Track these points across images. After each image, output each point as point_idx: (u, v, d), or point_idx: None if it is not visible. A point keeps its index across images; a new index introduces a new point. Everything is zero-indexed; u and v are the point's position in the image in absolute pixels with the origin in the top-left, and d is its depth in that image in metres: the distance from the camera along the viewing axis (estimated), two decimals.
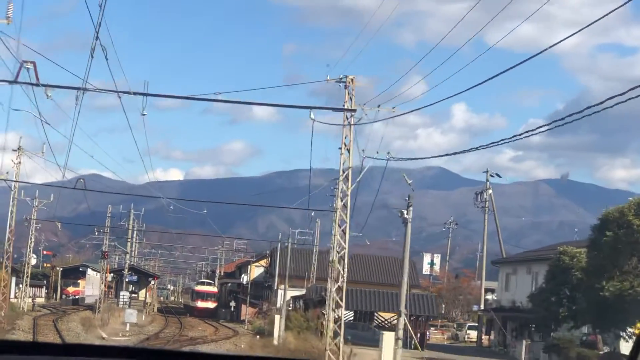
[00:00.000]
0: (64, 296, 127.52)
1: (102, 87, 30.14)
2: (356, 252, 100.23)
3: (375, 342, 66.41)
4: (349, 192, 35.69)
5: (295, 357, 34.71)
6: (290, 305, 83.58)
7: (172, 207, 64.44)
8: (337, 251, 36.71)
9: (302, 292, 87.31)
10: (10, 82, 27.66)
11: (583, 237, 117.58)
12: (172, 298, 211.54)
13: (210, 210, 75.90)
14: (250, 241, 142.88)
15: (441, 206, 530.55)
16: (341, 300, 36.73)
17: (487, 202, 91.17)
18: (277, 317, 57.76)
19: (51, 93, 28.02)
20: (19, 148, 58.59)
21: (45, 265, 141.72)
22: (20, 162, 58.24)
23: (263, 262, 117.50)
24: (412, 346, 70.49)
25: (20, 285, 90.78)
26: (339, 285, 36.95)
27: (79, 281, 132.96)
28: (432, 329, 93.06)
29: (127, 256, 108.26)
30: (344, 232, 36.30)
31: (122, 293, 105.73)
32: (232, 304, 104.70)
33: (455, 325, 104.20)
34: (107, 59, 25.54)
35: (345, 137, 35.06)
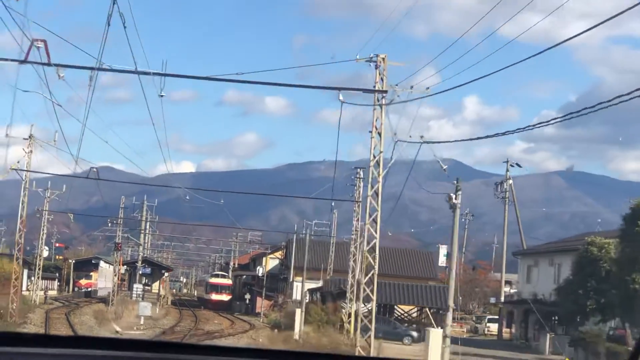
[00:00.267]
0: (76, 289, 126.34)
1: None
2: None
3: (395, 336, 64.83)
4: (380, 179, 33.75)
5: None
6: (307, 298, 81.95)
7: (187, 198, 62.78)
8: (367, 241, 34.70)
9: (318, 284, 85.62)
10: (20, 62, 25.98)
11: (601, 228, 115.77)
12: (185, 290, 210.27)
13: (214, 207, 74.46)
14: (263, 233, 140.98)
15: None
16: (372, 293, 34.85)
17: (507, 193, 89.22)
18: (297, 310, 55.89)
19: (63, 73, 26.30)
20: (30, 137, 56.93)
21: (57, 257, 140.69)
22: (31, 151, 56.63)
23: (278, 254, 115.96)
24: None
25: (32, 278, 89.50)
26: (369, 278, 35.06)
27: (92, 274, 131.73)
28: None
29: (141, 248, 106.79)
30: (374, 221, 34.37)
31: (135, 285, 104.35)
32: (247, 296, 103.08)
33: (474, 318, 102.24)
34: (125, 26, 23.78)
35: (375, 120, 33.13)
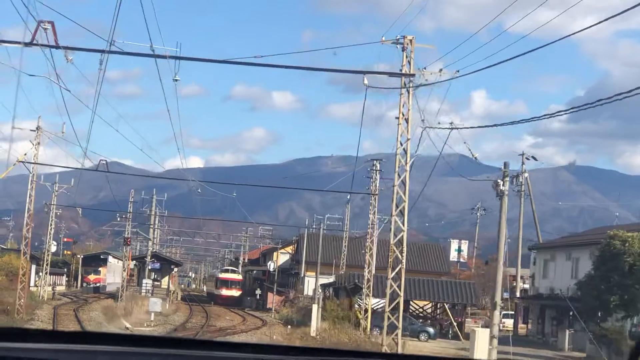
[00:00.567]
0: (84, 284, 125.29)
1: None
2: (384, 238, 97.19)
3: (411, 332, 63.18)
4: (407, 167, 32.06)
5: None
6: (319, 293, 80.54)
7: (199, 191, 61.40)
8: (394, 234, 32.97)
9: (330, 279, 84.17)
10: (26, 44, 24.49)
11: (618, 222, 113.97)
12: (194, 286, 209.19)
13: (231, 198, 73.17)
14: (271, 229, 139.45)
15: (461, 193, 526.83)
16: (399, 289, 33.22)
17: (522, 187, 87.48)
18: (313, 306, 54.29)
19: (72, 57, 24.81)
20: (38, 128, 55.46)
21: (65, 252, 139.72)
22: (39, 143, 55.14)
23: (289, 249, 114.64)
24: (450, 336, 67.35)
25: (40, 273, 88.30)
26: (396, 273, 33.40)
27: (100, 269, 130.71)
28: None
29: (150, 243, 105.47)
30: (402, 212, 32.71)
31: (144, 281, 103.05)
32: (258, 291, 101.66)
33: (488, 313, 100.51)
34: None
35: (402, 106, 31.42)
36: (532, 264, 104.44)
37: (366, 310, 54.34)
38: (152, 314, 63.27)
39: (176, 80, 25.24)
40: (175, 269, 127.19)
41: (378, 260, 67.50)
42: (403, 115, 31.50)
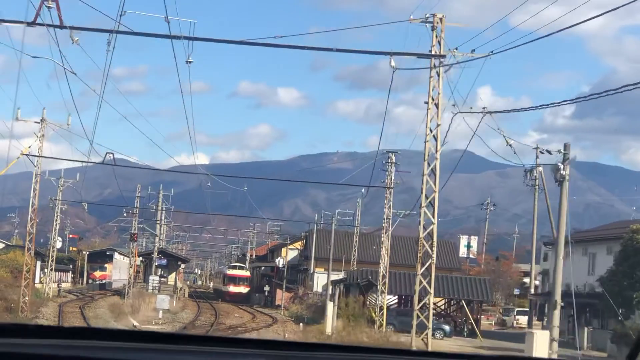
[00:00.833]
0: (90, 281, 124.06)
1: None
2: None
3: (426, 330, 61.52)
4: (438, 155, 30.24)
5: None
6: (332, 289, 78.97)
7: (209, 184, 59.86)
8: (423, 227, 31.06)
9: (340, 275, 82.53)
10: (28, 24, 22.84)
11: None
12: (200, 282, 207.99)
13: (237, 195, 71.98)
14: (278, 225, 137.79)
15: (467, 189, 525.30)
16: (429, 285, 31.45)
17: (537, 181, 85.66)
18: (329, 304, 52.52)
19: (77, 37, 23.15)
20: (42, 120, 53.77)
21: (71, 249, 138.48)
22: (43, 135, 53.44)
23: (297, 245, 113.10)
24: (465, 333, 65.62)
25: (46, 270, 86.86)
26: (426, 268, 31.56)
27: (106, 265, 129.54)
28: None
29: (157, 239, 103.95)
30: (431, 204, 30.88)
31: (151, 277, 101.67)
32: (267, 288, 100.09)
33: (501, 310, 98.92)
34: None
35: (432, 89, 29.55)
36: (542, 260, 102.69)
37: (381, 308, 52.67)
38: (160, 312, 61.76)
39: (189, 62, 23.64)
40: (182, 266, 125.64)
41: (390, 256, 65.90)
42: (433, 99, 29.67)
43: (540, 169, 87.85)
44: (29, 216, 58.56)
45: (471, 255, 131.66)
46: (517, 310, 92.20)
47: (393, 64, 26.10)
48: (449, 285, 66.80)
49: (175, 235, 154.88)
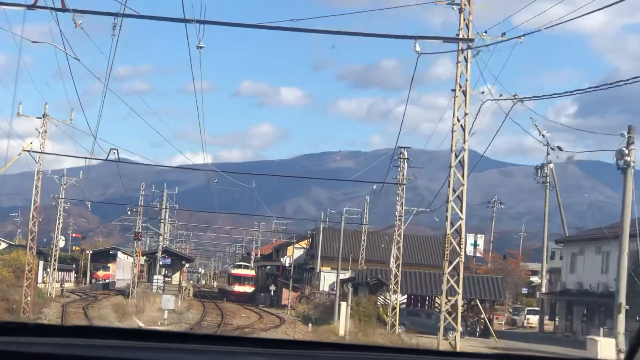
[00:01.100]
0: (93, 280, 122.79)
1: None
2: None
3: (438, 330, 59.99)
4: (466, 146, 28.79)
5: None
6: (343, 289, 77.69)
7: (216, 181, 58.61)
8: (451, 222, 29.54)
9: (347, 274, 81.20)
10: (28, 7, 21.46)
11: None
12: (203, 282, 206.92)
13: (240, 195, 70.96)
14: (283, 224, 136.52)
15: (470, 188, 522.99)
16: (457, 285, 29.99)
17: (547, 178, 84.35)
18: (342, 304, 51.01)
19: (81, 21, 21.75)
20: (44, 115, 52.36)
21: (74, 248, 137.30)
22: (45, 131, 52.04)
23: (303, 244, 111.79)
24: (478, 334, 64.11)
25: (48, 270, 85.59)
26: (454, 267, 30.06)
27: (109, 265, 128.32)
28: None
29: (161, 238, 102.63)
30: (459, 198, 29.40)
31: (155, 277, 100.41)
32: (272, 287, 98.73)
33: (510, 310, 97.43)
34: None
35: (460, 76, 28.02)
36: (549, 259, 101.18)
37: (393, 308, 51.22)
38: (166, 312, 60.41)
39: (201, 47, 22.26)
40: (187, 265, 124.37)
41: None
42: (460, 87, 28.11)
43: (551, 165, 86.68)
44: (31, 214, 57.15)
45: (478, 254, 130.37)
46: (528, 310, 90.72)
47: (418, 48, 24.63)
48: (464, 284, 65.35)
49: (178, 234, 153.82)
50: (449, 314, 66.78)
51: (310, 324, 56.94)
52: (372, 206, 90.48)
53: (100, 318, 55.91)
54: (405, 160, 51.92)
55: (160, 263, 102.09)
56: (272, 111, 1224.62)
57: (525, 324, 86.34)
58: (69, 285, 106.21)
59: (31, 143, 51.27)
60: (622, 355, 30.23)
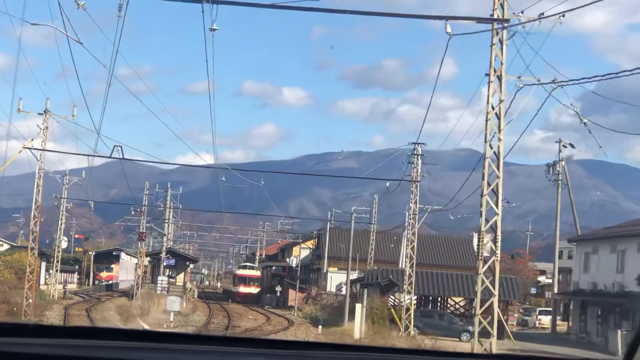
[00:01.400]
0: (96, 282, 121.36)
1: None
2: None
3: (452, 332, 58.32)
4: (501, 135, 27.03)
5: None
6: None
7: (223, 179, 57.11)
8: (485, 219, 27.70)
9: (354, 274, 79.58)
10: None
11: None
12: (207, 282, 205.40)
13: (243, 195, 69.68)
14: (289, 224, 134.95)
15: (472, 188, 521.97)
16: (493, 285, 28.25)
17: (560, 175, 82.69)
18: (357, 306, 49.27)
19: (84, 2, 20.13)
20: (46, 111, 50.71)
21: (77, 249, 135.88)
22: (47, 127, 50.41)
23: (309, 244, 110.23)
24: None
25: (51, 271, 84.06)
26: (489, 266, 28.32)
27: (113, 266, 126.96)
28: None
29: (165, 238, 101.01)
30: (494, 192, 27.56)
31: (160, 278, 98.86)
32: (278, 288, 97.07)
33: (521, 310, 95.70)
34: None
35: (494, 59, 26.24)
36: (557, 258, 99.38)
37: (407, 309, 49.54)
38: (172, 314, 58.76)
39: (213, 29, 20.69)
40: (191, 266, 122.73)
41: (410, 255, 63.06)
42: (495, 71, 26.29)
43: (563, 163, 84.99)
44: (32, 213, 55.46)
45: (486, 254, 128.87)
46: (540, 310, 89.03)
47: (449, 29, 23.00)
48: (474, 284, 63.64)
49: (182, 234, 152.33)
50: (465, 316, 65.06)
51: (320, 326, 55.26)
52: (377, 206, 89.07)
53: (104, 320, 54.33)
54: (419, 157, 50.28)
55: (164, 264, 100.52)
56: (275, 111, 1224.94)
57: (537, 325, 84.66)
58: (72, 286, 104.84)
59: (32, 140, 49.65)
60: None
